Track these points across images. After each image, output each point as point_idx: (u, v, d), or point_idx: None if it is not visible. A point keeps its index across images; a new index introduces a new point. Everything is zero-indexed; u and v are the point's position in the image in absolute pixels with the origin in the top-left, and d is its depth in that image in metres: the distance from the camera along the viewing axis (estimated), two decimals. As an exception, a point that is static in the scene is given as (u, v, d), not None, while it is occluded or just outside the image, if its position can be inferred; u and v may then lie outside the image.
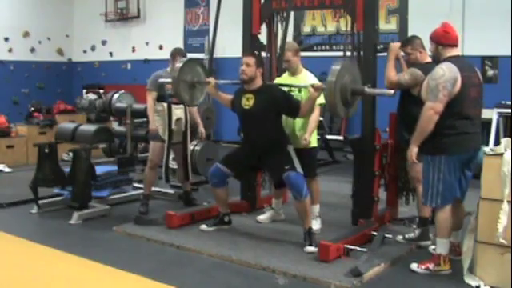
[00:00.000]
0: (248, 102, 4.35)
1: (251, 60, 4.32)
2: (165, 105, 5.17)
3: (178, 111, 5.25)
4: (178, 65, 4.66)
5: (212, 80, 4.63)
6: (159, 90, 5.19)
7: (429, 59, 4.16)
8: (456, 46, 3.65)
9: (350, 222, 4.62)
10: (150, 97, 5.19)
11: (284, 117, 4.57)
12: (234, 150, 4.60)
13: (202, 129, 5.55)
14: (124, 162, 6.06)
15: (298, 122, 4.52)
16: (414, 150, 3.61)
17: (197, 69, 4.79)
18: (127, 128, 6.42)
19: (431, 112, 3.47)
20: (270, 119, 4.30)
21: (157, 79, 5.19)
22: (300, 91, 4.51)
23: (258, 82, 4.37)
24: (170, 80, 4.78)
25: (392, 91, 3.95)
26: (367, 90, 3.96)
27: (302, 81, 4.55)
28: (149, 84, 5.24)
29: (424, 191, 3.68)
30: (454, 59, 3.56)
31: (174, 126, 5.20)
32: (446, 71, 3.47)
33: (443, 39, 3.63)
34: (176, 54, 5.28)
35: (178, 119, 5.26)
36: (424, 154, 3.63)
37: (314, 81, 4.56)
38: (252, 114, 4.33)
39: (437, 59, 3.68)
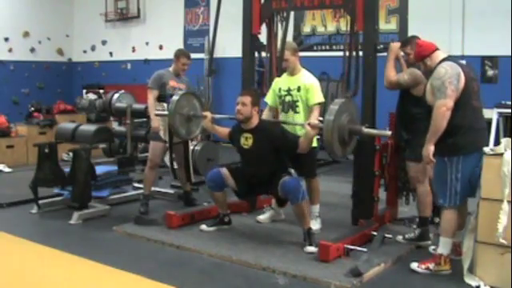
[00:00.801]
0: (247, 141, 4.37)
1: (247, 99, 4.32)
2: (165, 105, 5.17)
3: None
4: (175, 97, 4.73)
5: (208, 114, 4.67)
6: (160, 90, 5.19)
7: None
8: (437, 49, 3.72)
9: (350, 222, 4.62)
10: (151, 95, 5.19)
11: (283, 113, 4.58)
12: (239, 166, 4.60)
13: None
14: (124, 162, 6.06)
15: (299, 121, 4.52)
16: (430, 149, 3.60)
17: (193, 102, 4.87)
18: (127, 128, 6.41)
19: (443, 109, 3.48)
20: (270, 156, 4.32)
21: (159, 77, 5.20)
22: (299, 90, 4.50)
23: (255, 121, 4.38)
24: (166, 113, 4.85)
25: (389, 132, 4.07)
26: (365, 130, 4.00)
27: (299, 80, 4.55)
28: (150, 82, 5.24)
29: (441, 192, 3.68)
30: (447, 59, 3.62)
31: None
32: (448, 68, 3.52)
33: (423, 52, 3.72)
34: (180, 54, 5.28)
35: (179, 119, 5.26)
36: (439, 155, 3.62)
37: (312, 80, 4.56)
38: (252, 153, 4.36)
39: (432, 72, 3.68)
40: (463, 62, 3.80)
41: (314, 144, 4.63)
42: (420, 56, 3.74)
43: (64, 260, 4.03)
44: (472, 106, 3.59)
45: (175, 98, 4.74)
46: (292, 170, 4.38)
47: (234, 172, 4.49)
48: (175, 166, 5.64)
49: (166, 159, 5.50)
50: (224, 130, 4.67)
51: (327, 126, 3.82)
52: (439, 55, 3.68)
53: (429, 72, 3.70)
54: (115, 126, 7.83)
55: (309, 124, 4.10)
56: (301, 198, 4.13)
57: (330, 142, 3.85)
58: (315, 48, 9.51)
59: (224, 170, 4.47)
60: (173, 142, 5.22)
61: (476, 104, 3.63)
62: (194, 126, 4.92)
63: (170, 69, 5.29)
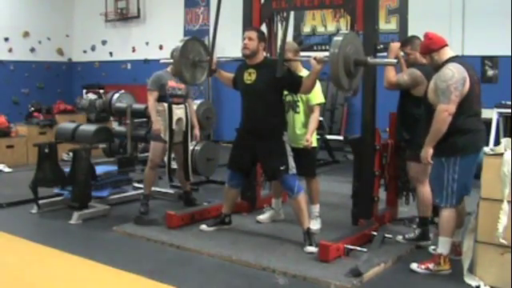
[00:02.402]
0: (250, 76, 4.30)
1: (253, 34, 4.28)
2: (165, 105, 5.17)
3: (179, 111, 5.25)
4: (180, 43, 4.62)
5: (214, 58, 4.58)
6: (160, 90, 5.19)
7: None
8: (447, 45, 3.68)
9: (350, 222, 4.62)
10: (152, 97, 5.18)
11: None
12: (231, 151, 4.56)
13: (197, 132, 5.52)
14: (124, 162, 6.06)
15: (299, 121, 4.53)
16: (429, 152, 3.61)
17: (199, 48, 4.76)
18: (127, 128, 6.42)
19: (445, 114, 3.49)
20: (271, 96, 4.25)
21: (158, 79, 5.19)
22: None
23: (260, 57, 4.33)
24: (171, 61, 4.73)
25: (395, 60, 3.97)
26: (370, 60, 3.93)
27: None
28: (149, 84, 5.24)
29: (438, 192, 3.69)
30: (456, 59, 3.60)
31: (174, 127, 5.20)
32: (455, 72, 3.50)
33: (432, 46, 3.67)
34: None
35: (179, 119, 5.26)
36: (437, 156, 3.63)
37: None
38: (254, 88, 4.28)
39: (437, 68, 3.67)
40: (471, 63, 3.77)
41: (314, 144, 4.64)
42: (428, 49, 3.68)
43: (64, 260, 4.03)
44: (473, 111, 3.59)
45: (180, 43, 4.62)
46: (285, 136, 4.29)
47: (232, 158, 4.47)
48: (174, 167, 5.65)
49: (160, 162, 5.48)
50: (228, 76, 4.62)
51: (333, 57, 3.72)
52: (448, 52, 3.65)
53: (434, 67, 3.68)
54: (115, 126, 7.83)
55: (314, 58, 4.02)
56: (296, 191, 4.15)
57: (336, 73, 3.74)
58: (315, 48, 9.51)
59: (233, 170, 4.49)
60: (173, 143, 5.22)
61: (477, 108, 3.64)
62: (199, 73, 4.78)
63: (168, 69, 5.29)
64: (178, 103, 5.23)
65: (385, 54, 4.40)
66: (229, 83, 4.63)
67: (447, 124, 3.51)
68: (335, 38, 3.79)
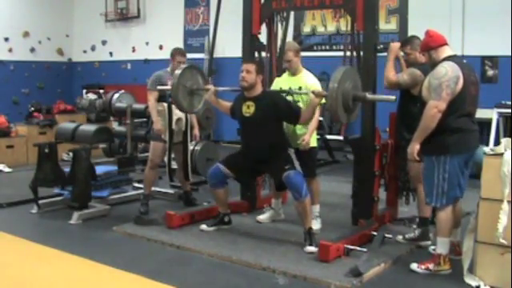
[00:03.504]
0: (248, 109, 4.35)
1: (251, 67, 4.31)
2: (165, 105, 5.17)
3: (179, 111, 5.24)
4: (178, 71, 4.66)
5: (211, 87, 4.63)
6: (159, 90, 5.18)
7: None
8: (446, 44, 3.68)
9: (350, 222, 4.62)
10: (152, 96, 5.18)
11: None
12: (235, 152, 4.59)
13: (196, 132, 5.53)
14: (124, 162, 6.06)
15: (303, 91, 4.50)
16: (416, 148, 3.62)
17: (197, 76, 4.81)
18: (127, 128, 6.42)
19: (435, 110, 3.47)
20: (271, 126, 4.30)
21: (157, 79, 5.19)
22: (300, 88, 4.50)
23: (259, 89, 4.37)
24: (169, 87, 4.77)
25: (394, 97, 3.98)
26: (368, 96, 3.98)
27: (301, 81, 4.56)
28: (149, 84, 5.24)
29: (428, 191, 3.69)
30: (453, 58, 3.59)
31: (174, 126, 5.20)
32: (449, 70, 3.49)
33: (431, 43, 3.67)
34: (176, 53, 5.28)
35: (179, 119, 5.26)
36: (427, 154, 3.63)
37: (313, 81, 4.57)
38: (252, 121, 4.33)
39: (434, 66, 3.66)
40: (470, 64, 3.75)
41: (314, 144, 4.64)
42: (427, 46, 3.69)
43: (64, 260, 4.03)
44: (465, 111, 3.56)
45: (178, 71, 4.65)
46: (292, 152, 4.33)
47: (230, 161, 4.48)
48: (174, 167, 5.65)
49: (166, 159, 5.48)
50: (226, 104, 4.65)
51: (331, 92, 3.77)
52: (446, 51, 3.64)
53: (431, 65, 3.68)
54: (115, 126, 7.83)
55: (313, 92, 4.07)
56: (304, 194, 4.12)
57: (334, 109, 3.79)
58: (315, 48, 9.51)
59: (221, 165, 4.47)
60: (172, 143, 5.22)
61: (470, 109, 3.60)
62: (196, 101, 4.81)
63: (168, 69, 5.29)
64: None
65: (385, 54, 4.39)
66: (226, 112, 4.68)
67: (436, 121, 3.49)
68: (334, 73, 3.85)
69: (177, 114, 5.21)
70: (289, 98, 4.54)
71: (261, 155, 4.33)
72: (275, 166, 4.25)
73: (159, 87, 5.02)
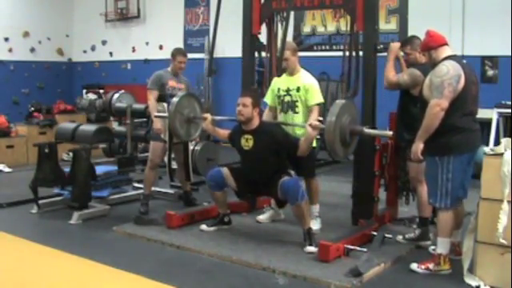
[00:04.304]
0: (247, 143, 4.36)
1: (248, 101, 4.32)
2: (165, 105, 5.17)
3: None
4: (175, 99, 4.70)
5: (208, 116, 4.65)
6: (160, 90, 5.19)
7: (428, 59, 4.17)
8: (446, 44, 3.68)
9: (350, 222, 4.62)
10: (152, 96, 5.19)
11: (282, 113, 4.57)
12: (240, 167, 4.60)
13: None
14: (124, 161, 6.06)
15: (298, 121, 4.52)
16: (419, 147, 3.61)
17: (194, 104, 4.85)
18: (127, 128, 6.42)
19: (437, 109, 3.47)
20: (271, 158, 4.31)
21: (157, 78, 5.20)
22: (298, 90, 4.50)
23: (256, 122, 4.38)
24: (165, 115, 4.81)
25: (390, 133, 4.07)
26: (366, 130, 4.02)
27: (299, 81, 4.55)
28: (149, 83, 5.24)
29: (432, 192, 3.68)
30: (453, 57, 3.59)
31: None
32: (450, 68, 3.49)
33: (431, 43, 3.67)
34: (176, 53, 5.28)
35: (179, 119, 5.26)
36: (430, 154, 3.62)
37: (311, 81, 4.56)
38: (252, 154, 4.35)
39: (434, 66, 3.66)
40: (469, 64, 3.78)
41: (314, 144, 4.64)
42: (427, 46, 3.69)
43: (64, 260, 4.03)
44: (468, 110, 3.57)
45: (175, 99, 4.72)
46: (292, 172, 4.37)
47: (235, 172, 4.50)
48: (174, 167, 5.65)
49: (166, 159, 5.49)
50: (224, 133, 4.67)
51: (329, 127, 3.83)
52: (446, 51, 3.64)
53: (431, 65, 3.68)
54: (115, 126, 7.83)
55: (310, 125, 4.09)
56: (300, 197, 4.11)
57: (331, 143, 3.86)
58: (315, 48, 9.51)
59: (225, 170, 4.48)
60: (173, 143, 5.22)
61: (472, 108, 3.61)
62: (193, 129, 4.91)
63: (169, 69, 5.29)
64: None
65: (385, 54, 4.40)
66: (225, 139, 4.70)
67: (439, 119, 3.49)
68: (332, 108, 3.89)
69: None
70: (287, 98, 4.55)
71: (261, 181, 4.34)
72: (272, 182, 4.24)
73: (156, 114, 5.05)
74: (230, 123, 4.69)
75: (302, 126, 4.36)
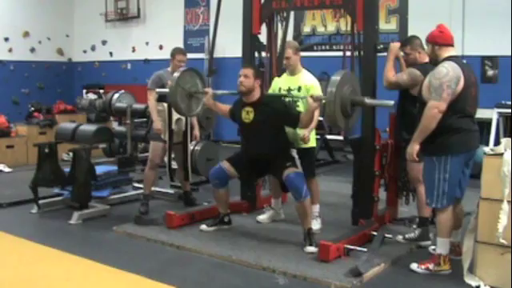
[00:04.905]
0: (248, 115, 4.35)
1: (249, 71, 4.31)
2: (165, 105, 5.17)
3: None
4: (177, 74, 4.65)
5: (209, 90, 4.62)
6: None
7: (427, 59, 4.16)
8: (452, 45, 3.68)
9: (350, 222, 4.61)
10: (152, 96, 5.19)
11: None
12: (237, 152, 4.58)
13: (196, 132, 5.53)
14: (124, 161, 6.06)
15: (300, 95, 4.50)
16: (415, 148, 3.61)
17: (196, 79, 4.79)
18: (127, 128, 6.42)
19: (435, 111, 3.47)
20: (272, 131, 4.30)
21: (158, 78, 5.20)
22: (299, 90, 4.50)
23: (257, 94, 4.36)
24: (167, 90, 4.77)
25: (392, 102, 3.99)
26: (367, 100, 3.98)
27: (300, 80, 4.55)
28: (149, 83, 5.24)
29: (429, 192, 3.68)
30: (454, 58, 3.59)
31: (174, 126, 5.20)
32: (450, 70, 3.49)
33: (438, 39, 3.66)
34: (176, 53, 5.28)
35: (179, 119, 5.26)
36: (427, 155, 3.63)
37: (312, 81, 4.57)
38: (253, 127, 4.33)
39: (434, 60, 3.68)
40: (469, 65, 3.76)
41: (313, 144, 4.64)
42: (434, 40, 3.66)
43: (64, 260, 4.03)
44: (466, 111, 3.57)
45: (177, 73, 4.64)
46: (294, 152, 4.33)
47: (234, 160, 4.48)
48: (174, 167, 5.65)
49: (166, 159, 5.48)
50: (225, 107, 4.65)
51: (329, 97, 3.76)
52: (449, 51, 3.64)
53: (432, 59, 3.70)
54: (115, 126, 7.83)
55: (311, 96, 4.06)
56: (304, 194, 4.12)
57: (332, 114, 3.78)
58: (315, 48, 9.51)
59: (225, 164, 4.46)
60: (173, 143, 5.22)
61: (470, 109, 3.60)
62: (195, 104, 4.80)
63: (169, 69, 5.29)
64: None
65: (385, 54, 4.39)
66: (225, 115, 4.68)
67: (436, 121, 3.49)
68: (333, 77, 3.83)
69: (176, 114, 5.21)
70: (287, 99, 4.54)
71: (262, 157, 4.33)
72: (276, 164, 4.25)
73: (158, 90, 5.01)
74: (231, 98, 4.64)
75: (303, 97, 4.32)
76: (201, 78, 4.89)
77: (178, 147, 5.36)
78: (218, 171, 4.46)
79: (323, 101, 4.11)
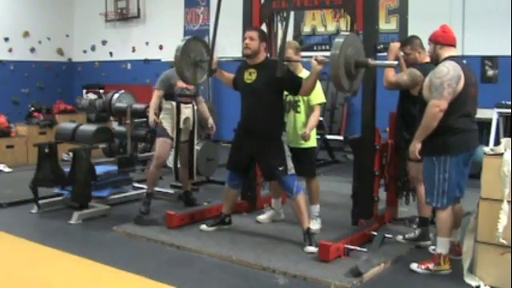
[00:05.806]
0: (250, 76, 4.29)
1: (254, 34, 4.27)
2: (173, 103, 5.17)
3: (187, 110, 5.26)
4: (182, 42, 4.58)
5: (214, 57, 4.54)
6: (168, 90, 5.19)
7: (428, 59, 4.17)
8: (454, 46, 3.68)
9: (350, 222, 4.61)
10: (156, 94, 5.21)
11: (285, 112, 4.55)
12: (230, 151, 4.56)
13: (211, 121, 5.51)
14: (124, 161, 6.05)
15: (300, 121, 4.52)
16: (417, 146, 3.62)
17: (200, 48, 4.72)
18: (127, 128, 6.42)
19: (436, 109, 3.48)
20: (271, 95, 4.24)
21: (166, 78, 5.21)
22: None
23: (262, 57, 4.31)
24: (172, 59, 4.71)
25: (396, 62, 3.97)
26: (371, 61, 3.91)
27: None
28: (158, 83, 5.30)
29: (429, 192, 3.69)
30: (454, 58, 3.59)
31: (181, 125, 5.20)
32: (451, 69, 3.50)
33: (441, 39, 3.67)
34: None
35: (186, 118, 5.26)
36: (428, 155, 3.63)
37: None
38: (253, 88, 4.26)
39: (435, 60, 3.70)
40: (469, 65, 3.77)
41: (313, 144, 4.64)
42: (436, 39, 3.67)
43: (64, 260, 4.03)
44: (466, 111, 3.58)
45: (182, 42, 4.59)
46: (284, 136, 4.31)
47: (232, 162, 4.47)
48: (178, 165, 5.65)
49: (171, 158, 5.47)
50: (229, 76, 4.60)
51: (333, 59, 3.70)
52: (451, 51, 3.64)
53: (432, 58, 3.71)
54: (115, 126, 7.83)
55: (315, 59, 4.00)
56: (295, 192, 4.15)
57: (336, 75, 3.71)
58: (315, 48, 9.51)
59: (231, 170, 4.49)
60: (179, 141, 5.21)
61: (470, 109, 3.62)
62: (200, 73, 4.73)
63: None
64: (186, 102, 5.24)
65: (385, 54, 4.39)
66: (229, 83, 4.62)
67: (437, 120, 3.50)
68: (336, 40, 3.77)
69: (185, 113, 5.22)
70: (289, 97, 4.54)
71: (257, 127, 4.26)
72: (268, 160, 4.23)
73: (163, 60, 4.98)
74: (234, 66, 4.61)
75: (307, 61, 4.24)
76: (205, 46, 4.82)
77: (183, 146, 5.35)
78: (232, 175, 4.48)
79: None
